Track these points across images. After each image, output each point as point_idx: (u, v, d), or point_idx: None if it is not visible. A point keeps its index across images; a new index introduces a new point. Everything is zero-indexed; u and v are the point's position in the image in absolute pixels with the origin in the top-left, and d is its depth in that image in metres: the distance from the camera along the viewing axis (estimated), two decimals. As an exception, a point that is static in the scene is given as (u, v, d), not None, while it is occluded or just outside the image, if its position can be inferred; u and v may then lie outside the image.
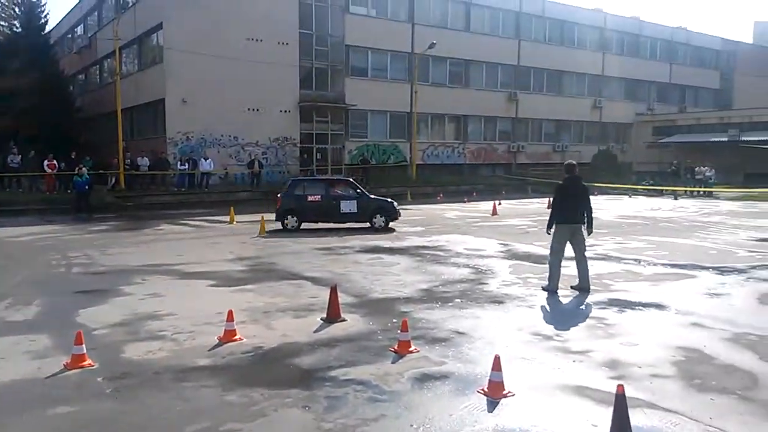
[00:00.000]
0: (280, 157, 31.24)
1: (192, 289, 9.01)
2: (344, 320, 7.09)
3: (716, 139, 40.99)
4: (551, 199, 9.04)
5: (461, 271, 10.40)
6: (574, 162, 9.22)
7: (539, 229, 9.34)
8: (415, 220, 19.12)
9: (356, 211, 16.41)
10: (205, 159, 27.38)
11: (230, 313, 6.44)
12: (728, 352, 5.98)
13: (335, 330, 6.76)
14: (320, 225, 16.65)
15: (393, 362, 5.69)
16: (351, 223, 16.59)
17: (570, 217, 8.77)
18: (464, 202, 26.93)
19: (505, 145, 40.87)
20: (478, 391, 4.91)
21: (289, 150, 31.56)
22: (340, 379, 5.26)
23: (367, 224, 16.50)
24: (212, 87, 28.03)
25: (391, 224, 16.77)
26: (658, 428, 4.31)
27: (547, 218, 9.15)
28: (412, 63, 34.53)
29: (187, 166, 27.01)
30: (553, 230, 8.94)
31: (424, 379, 5.25)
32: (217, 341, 6.27)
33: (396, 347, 5.98)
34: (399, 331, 6.10)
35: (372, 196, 16.97)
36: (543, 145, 42.71)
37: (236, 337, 6.34)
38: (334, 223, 16.57)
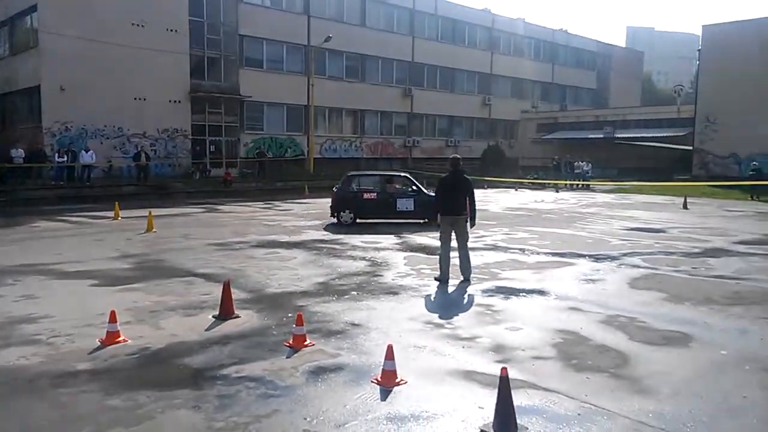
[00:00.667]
0: (170, 149, 29.99)
1: (71, 290, 8.44)
2: (238, 317, 6.93)
3: (593, 136, 44.03)
4: (434, 191, 9.37)
5: (358, 264, 10.50)
6: (459, 156, 9.59)
7: (433, 221, 9.62)
8: (312, 213, 19.03)
9: (413, 208, 15.98)
10: (86, 151, 25.56)
11: (113, 313, 6.10)
12: (602, 334, 6.45)
13: (228, 327, 6.61)
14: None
15: (288, 357, 5.65)
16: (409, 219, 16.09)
17: (451, 209, 9.09)
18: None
19: (401, 140, 41.67)
20: (372, 381, 4.99)
21: (180, 142, 30.38)
22: (232, 377, 5.15)
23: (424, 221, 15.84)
24: (94, 74, 26.31)
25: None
26: (539, 407, 4.57)
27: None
28: (309, 56, 34.27)
29: (66, 159, 25.17)
30: (439, 221, 9.28)
31: (318, 372, 5.26)
32: (99, 344, 5.93)
33: (291, 342, 5.94)
34: (294, 326, 6.06)
35: (431, 194, 16.49)
36: (437, 140, 43.95)
37: (120, 338, 6.01)
38: (391, 219, 16.13)
